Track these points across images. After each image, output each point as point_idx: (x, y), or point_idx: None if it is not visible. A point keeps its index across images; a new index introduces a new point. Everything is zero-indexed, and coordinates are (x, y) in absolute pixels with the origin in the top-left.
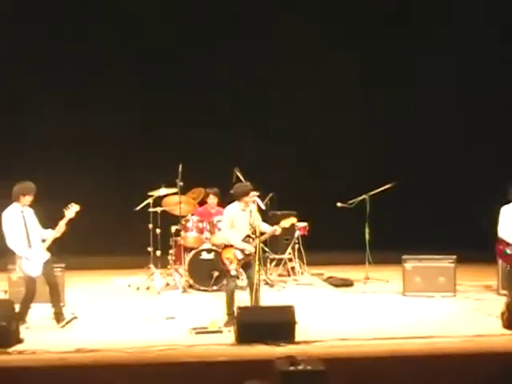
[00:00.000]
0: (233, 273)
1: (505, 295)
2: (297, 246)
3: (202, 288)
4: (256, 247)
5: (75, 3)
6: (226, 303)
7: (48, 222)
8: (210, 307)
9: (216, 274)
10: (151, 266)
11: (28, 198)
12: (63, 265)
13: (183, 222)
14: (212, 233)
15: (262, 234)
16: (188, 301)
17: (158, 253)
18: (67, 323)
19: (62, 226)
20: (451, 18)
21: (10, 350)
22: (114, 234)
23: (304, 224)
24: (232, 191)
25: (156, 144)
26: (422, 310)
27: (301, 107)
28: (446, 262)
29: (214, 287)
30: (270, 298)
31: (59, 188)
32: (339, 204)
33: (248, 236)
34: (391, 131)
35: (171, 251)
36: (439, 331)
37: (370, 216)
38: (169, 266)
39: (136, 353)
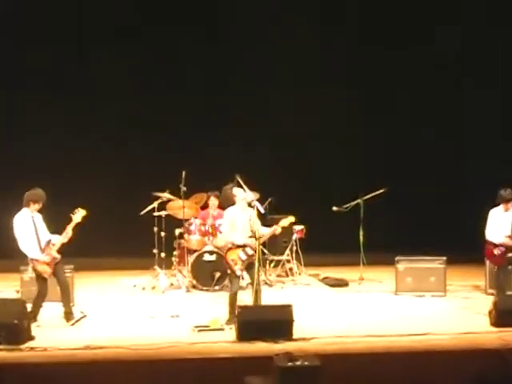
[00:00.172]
0: (238, 273)
1: (492, 294)
2: (294, 248)
3: (204, 288)
4: (255, 251)
5: (75, 20)
6: (229, 303)
7: (56, 226)
8: (212, 306)
9: (218, 274)
10: (156, 267)
11: (37, 206)
12: (72, 266)
13: (186, 226)
14: (214, 235)
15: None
16: (191, 300)
17: (163, 254)
18: (76, 321)
19: (68, 232)
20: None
21: (23, 346)
22: (120, 237)
23: (301, 227)
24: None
25: (160, 150)
26: (414, 309)
27: (300, 113)
28: (436, 263)
29: (216, 287)
30: (269, 297)
31: (67, 193)
32: (334, 208)
33: (249, 237)
34: (385, 138)
35: (175, 253)
36: (430, 329)
37: (363, 219)
38: (173, 267)
39: (141, 349)
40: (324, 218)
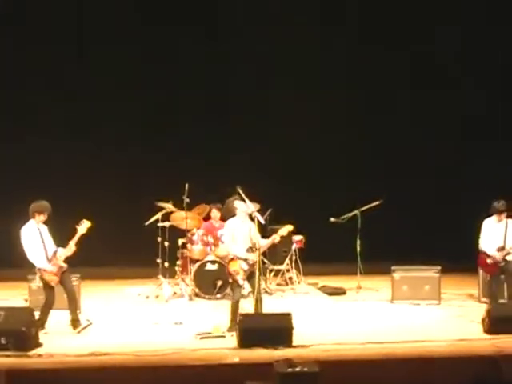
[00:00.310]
0: (241, 282)
1: (485, 303)
2: (294, 257)
3: (206, 296)
4: (256, 262)
5: (75, 20)
6: (231, 311)
7: (61, 236)
8: (214, 314)
9: (219, 283)
10: (160, 276)
11: (42, 217)
12: (79, 275)
13: (189, 236)
14: (216, 245)
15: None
16: (194, 308)
17: (166, 264)
18: (83, 329)
19: (72, 246)
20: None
21: (30, 353)
22: (125, 247)
23: (300, 237)
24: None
25: (163, 162)
26: (410, 317)
27: (300, 114)
28: (431, 272)
29: (218, 295)
30: (269, 305)
31: (72, 204)
32: (332, 219)
33: (250, 248)
34: (383, 150)
35: (178, 262)
36: (425, 336)
37: (361, 230)
38: (176, 276)
39: (145, 356)
40: (322, 228)
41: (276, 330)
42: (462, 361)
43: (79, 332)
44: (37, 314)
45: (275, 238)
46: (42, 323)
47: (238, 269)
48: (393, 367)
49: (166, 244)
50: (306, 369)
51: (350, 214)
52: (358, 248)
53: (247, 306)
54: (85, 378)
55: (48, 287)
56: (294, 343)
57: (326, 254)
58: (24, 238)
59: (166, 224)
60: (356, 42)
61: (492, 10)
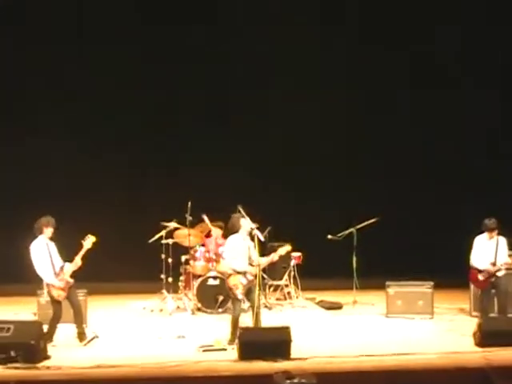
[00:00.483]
0: (240, 297)
1: (476, 317)
2: (292, 273)
3: (208, 310)
4: (255, 276)
5: (75, 20)
6: (232, 325)
7: (67, 252)
8: (216, 327)
9: (221, 298)
10: (164, 290)
11: (50, 229)
12: (86, 290)
13: (192, 253)
14: (217, 262)
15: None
16: (196, 322)
17: (170, 279)
18: (89, 342)
19: (78, 260)
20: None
21: (39, 365)
22: (130, 263)
23: (299, 254)
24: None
25: (167, 181)
26: (404, 330)
27: (300, 114)
28: (424, 288)
29: (219, 310)
30: (268, 319)
31: (79, 221)
32: (329, 236)
33: (250, 264)
34: (383, 150)
35: (181, 278)
36: (419, 349)
37: (356, 247)
38: (179, 291)
39: (149, 368)
40: (320, 245)
41: (275, 343)
42: (454, 373)
43: (85, 345)
44: (45, 328)
45: (274, 256)
46: (50, 336)
47: (238, 283)
48: (387, 379)
49: (170, 260)
50: (303, 380)
51: (347, 232)
52: (354, 264)
53: (247, 320)
54: None
55: (55, 302)
56: (292, 356)
57: (324, 270)
58: (33, 254)
59: (170, 241)
60: (356, 42)
61: (492, 10)
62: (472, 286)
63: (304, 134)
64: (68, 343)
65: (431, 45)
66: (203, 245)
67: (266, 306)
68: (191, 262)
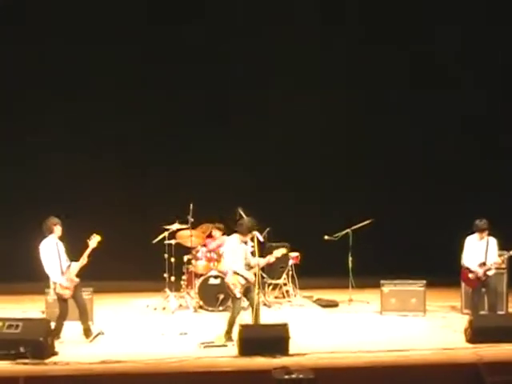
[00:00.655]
0: (238, 295)
1: (467, 314)
2: (290, 272)
3: (209, 308)
4: (255, 275)
5: (75, 20)
6: (229, 323)
7: (68, 251)
8: (217, 325)
9: (222, 296)
10: (167, 289)
11: (59, 227)
12: (92, 288)
13: (194, 253)
14: (218, 261)
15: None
16: (198, 319)
17: (173, 278)
18: (94, 337)
19: (85, 258)
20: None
21: (47, 361)
22: (135, 263)
23: (296, 254)
24: (238, 226)
25: (167, 181)
26: (397, 327)
27: (300, 114)
28: (417, 286)
29: (220, 308)
30: (267, 316)
31: (79, 221)
32: (326, 237)
33: (248, 265)
34: (383, 150)
35: (184, 277)
36: (412, 345)
37: (352, 247)
38: (182, 290)
39: (153, 364)
40: (317, 246)
41: (274, 340)
42: (446, 368)
43: (91, 341)
44: (53, 325)
45: (270, 258)
46: (57, 333)
47: (236, 283)
48: (382, 374)
49: (173, 260)
50: (302, 376)
51: (343, 233)
52: (350, 264)
53: (246, 318)
54: None
55: (61, 300)
56: (290, 352)
57: (320, 269)
58: (43, 253)
59: (173, 241)
60: (356, 42)
61: (492, 10)
62: (463, 285)
63: (304, 134)
64: (75, 340)
65: (431, 45)
66: (204, 245)
67: (265, 304)
68: (193, 261)
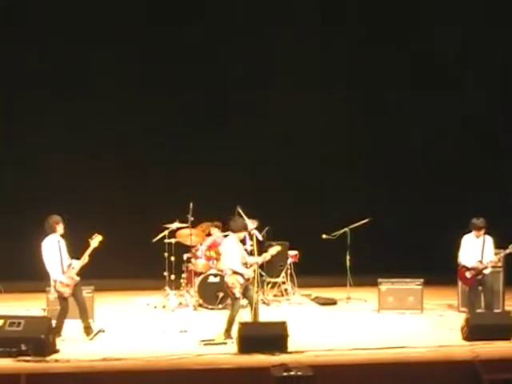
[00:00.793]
0: (237, 295)
1: (464, 312)
2: (289, 271)
3: (209, 306)
4: (254, 272)
5: (75, 20)
6: (228, 322)
7: (75, 249)
8: (216, 322)
9: (221, 294)
10: (167, 287)
11: (62, 225)
12: (93, 287)
13: (193, 251)
14: (218, 260)
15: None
16: (198, 317)
17: (173, 277)
18: (95, 335)
19: (86, 257)
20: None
21: (48, 358)
22: (135, 261)
23: (295, 252)
24: (231, 222)
25: (167, 181)
26: (395, 325)
27: (300, 114)
28: (414, 285)
29: (220, 306)
30: (266, 314)
31: (79, 221)
32: (324, 236)
33: (245, 264)
34: (382, 150)
35: (183, 275)
36: (409, 342)
37: (350, 246)
38: (181, 288)
39: (153, 361)
40: (315, 244)
41: (273, 338)
42: (442, 366)
43: (92, 339)
44: (54, 323)
45: (265, 256)
46: (58, 331)
47: (235, 282)
48: (380, 371)
49: (172, 258)
50: (300, 373)
51: (341, 231)
52: (348, 262)
53: (246, 316)
54: (97, 382)
55: (62, 298)
56: (289, 349)
57: (319, 268)
58: (45, 251)
59: (172, 240)
60: (356, 42)
61: (492, 10)
62: (460, 283)
63: (304, 134)
64: (76, 337)
65: (431, 45)
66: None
67: (264, 302)
68: (193, 260)
